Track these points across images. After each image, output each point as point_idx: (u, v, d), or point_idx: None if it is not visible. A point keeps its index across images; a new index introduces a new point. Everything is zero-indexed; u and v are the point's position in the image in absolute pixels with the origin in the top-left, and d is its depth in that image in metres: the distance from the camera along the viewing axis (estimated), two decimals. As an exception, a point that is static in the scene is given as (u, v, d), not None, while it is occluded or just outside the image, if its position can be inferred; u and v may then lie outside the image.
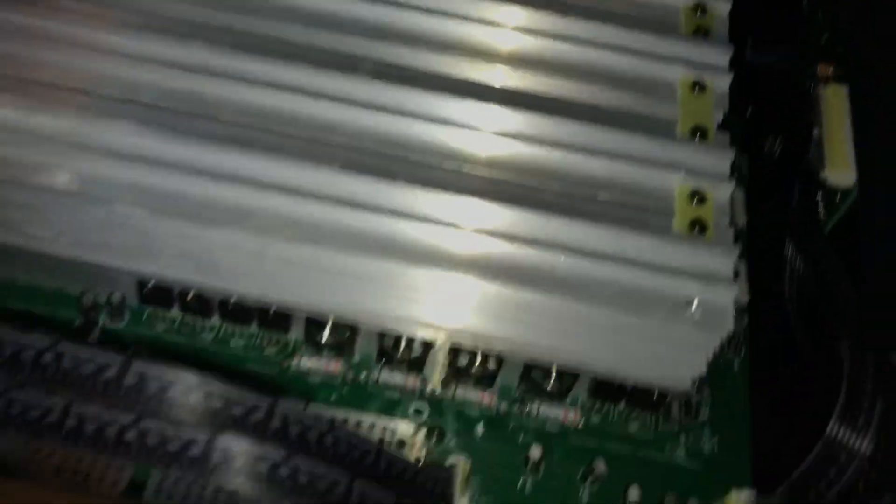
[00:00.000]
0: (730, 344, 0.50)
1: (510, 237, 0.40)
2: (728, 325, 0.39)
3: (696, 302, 0.39)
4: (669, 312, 0.39)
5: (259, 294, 0.42)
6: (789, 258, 0.54)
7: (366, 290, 0.41)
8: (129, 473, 0.39)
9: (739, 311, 0.52)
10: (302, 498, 0.34)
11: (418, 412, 0.47)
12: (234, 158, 0.40)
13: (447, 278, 0.41)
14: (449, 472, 0.42)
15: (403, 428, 0.46)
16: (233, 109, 0.42)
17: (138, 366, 0.34)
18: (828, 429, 0.39)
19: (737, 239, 0.41)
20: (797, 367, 0.51)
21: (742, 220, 0.55)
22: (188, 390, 0.34)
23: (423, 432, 0.46)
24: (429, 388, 0.47)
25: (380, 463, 0.38)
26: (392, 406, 0.47)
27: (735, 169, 0.44)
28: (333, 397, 0.46)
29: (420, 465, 0.40)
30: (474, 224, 0.41)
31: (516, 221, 0.41)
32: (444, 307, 0.42)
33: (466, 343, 0.44)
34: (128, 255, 0.42)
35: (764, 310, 0.52)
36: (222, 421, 0.34)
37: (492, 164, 0.42)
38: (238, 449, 0.33)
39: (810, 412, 0.48)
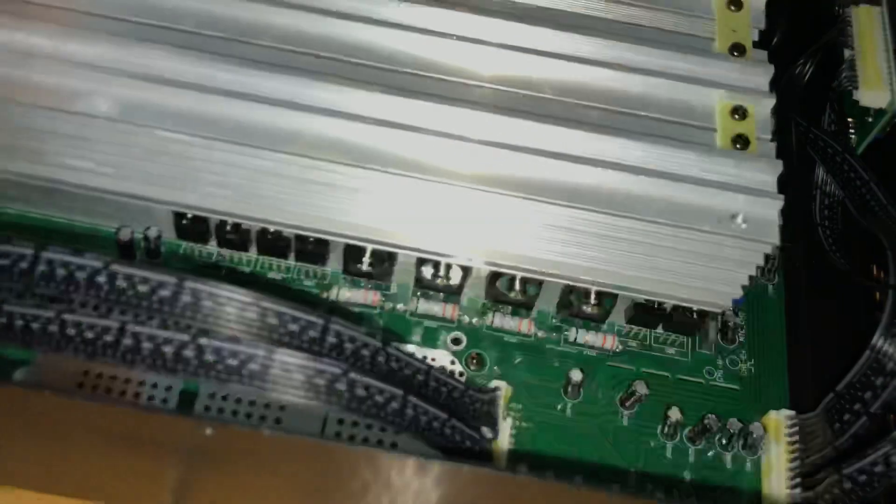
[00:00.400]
0: (764, 270, 0.51)
1: (554, 155, 0.40)
2: (774, 237, 0.39)
3: (741, 214, 0.39)
4: (716, 225, 0.39)
5: (299, 223, 0.42)
6: (819, 183, 0.54)
7: (405, 213, 0.41)
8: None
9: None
10: (360, 411, 0.34)
11: (457, 341, 0.47)
12: (275, 82, 0.40)
13: (489, 199, 0.41)
14: (493, 395, 0.43)
15: (443, 356, 0.46)
16: (272, 34, 0.42)
17: (192, 283, 0.34)
18: (874, 338, 0.39)
19: (779, 154, 0.41)
20: (831, 290, 0.51)
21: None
22: (244, 307, 0.34)
23: (462, 360, 0.46)
24: (466, 318, 0.47)
25: (429, 382, 0.38)
26: (431, 335, 0.47)
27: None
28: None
29: (466, 387, 0.40)
30: (517, 143, 0.41)
31: (560, 140, 0.40)
32: (483, 229, 0.42)
33: (505, 266, 0.44)
34: (167, 185, 0.41)
35: (793, 238, 0.53)
36: (279, 337, 0.34)
37: (532, 85, 0.42)
38: (296, 363, 0.33)
39: (847, 333, 0.49)
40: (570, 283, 0.44)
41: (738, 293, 0.42)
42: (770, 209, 0.39)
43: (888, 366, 0.38)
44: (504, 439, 0.43)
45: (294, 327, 0.34)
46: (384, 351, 0.36)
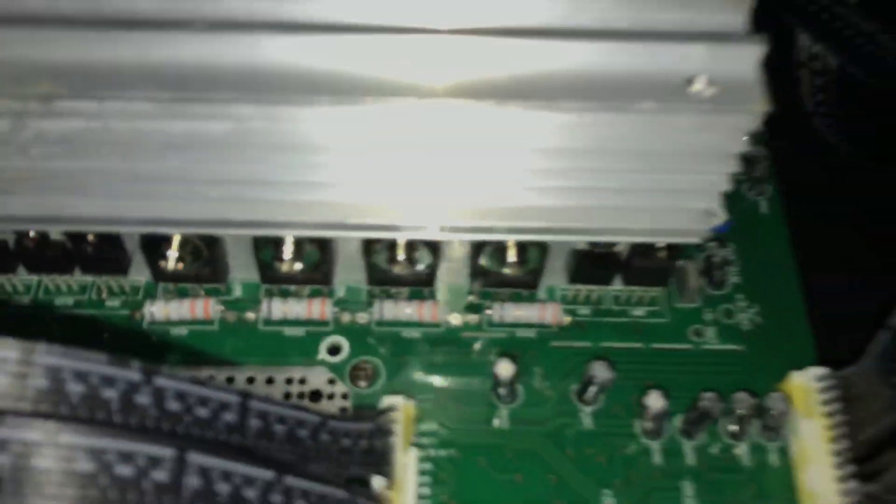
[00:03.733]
0: (749, 182, 0.37)
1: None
2: (758, 101, 0.25)
3: (702, 75, 0.25)
4: (665, 98, 0.24)
5: (42, 213, 0.28)
6: (804, 60, 0.40)
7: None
8: None
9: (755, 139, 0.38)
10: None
11: (335, 350, 0.33)
12: None
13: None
14: (380, 422, 0.28)
15: (317, 375, 0.32)
16: None
17: None
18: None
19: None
20: (846, 191, 0.37)
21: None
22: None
23: (345, 375, 0.32)
24: (346, 315, 0.33)
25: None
26: (297, 347, 0.33)
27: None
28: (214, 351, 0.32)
29: (324, 418, 0.25)
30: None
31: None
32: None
33: (376, 226, 0.30)
34: None
35: (783, 135, 0.39)
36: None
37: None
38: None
39: (881, 243, 0.35)
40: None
41: (715, 205, 0.28)
42: (742, 61, 0.25)
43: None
44: (408, 483, 0.29)
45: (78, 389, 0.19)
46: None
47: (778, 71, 0.41)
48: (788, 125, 0.40)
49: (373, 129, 0.26)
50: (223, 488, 0.21)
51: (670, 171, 0.27)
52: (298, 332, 0.33)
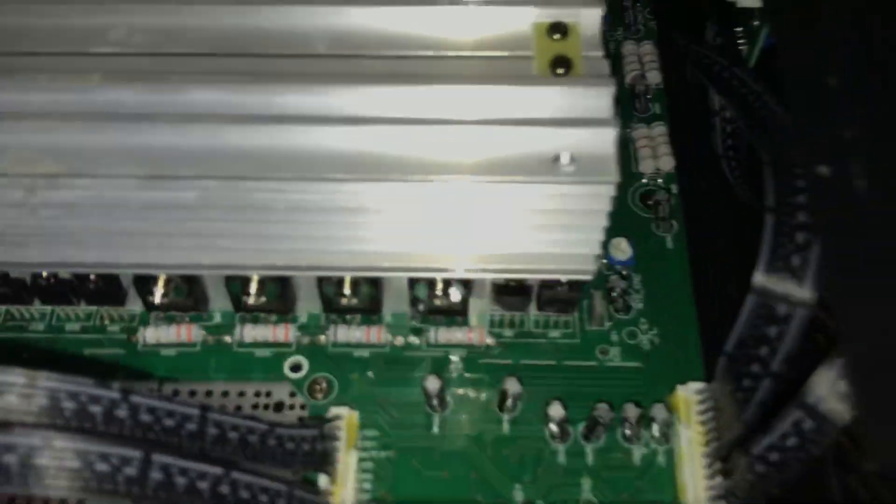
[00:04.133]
0: (657, 219, 0.43)
1: (340, 121, 0.32)
2: (612, 174, 0.31)
3: (566, 153, 0.31)
4: (537, 172, 0.31)
5: (51, 259, 0.35)
6: (717, 109, 0.46)
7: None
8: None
9: (667, 180, 0.44)
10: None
11: (296, 367, 0.39)
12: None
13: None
14: (323, 428, 0.35)
15: (280, 389, 0.38)
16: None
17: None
18: (754, 277, 0.30)
19: (614, 72, 0.32)
20: (742, 231, 0.43)
21: (657, 78, 0.47)
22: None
23: (304, 389, 0.38)
24: (306, 339, 0.39)
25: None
26: (265, 366, 0.39)
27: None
28: (197, 369, 0.39)
29: (270, 426, 0.32)
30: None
31: (345, 100, 0.33)
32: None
33: (331, 270, 0.36)
34: None
35: (693, 175, 0.45)
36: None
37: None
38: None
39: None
40: (382, 274, 0.36)
41: (596, 250, 0.34)
42: (602, 140, 0.31)
43: (779, 309, 0.30)
44: (349, 480, 0.35)
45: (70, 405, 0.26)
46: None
47: (695, 117, 0.47)
48: (701, 167, 0.46)
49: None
50: (181, 481, 0.27)
51: (556, 225, 0.33)
52: (266, 352, 0.39)
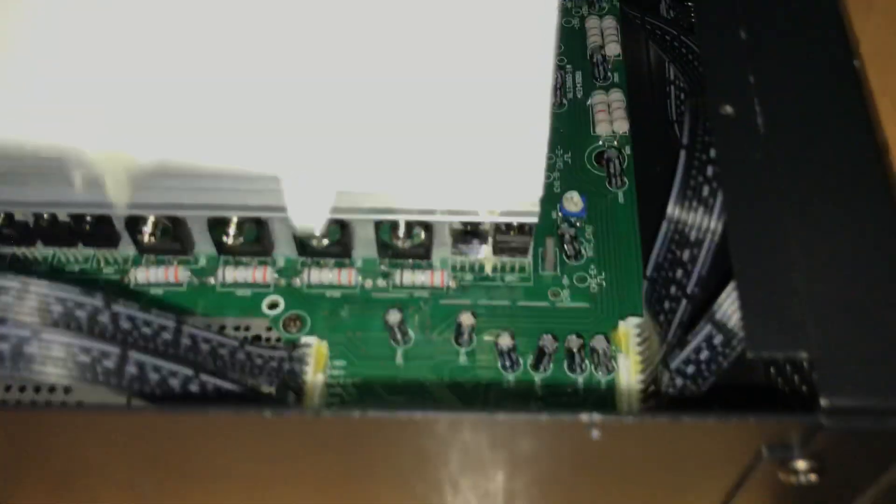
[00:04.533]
0: (610, 175, 0.46)
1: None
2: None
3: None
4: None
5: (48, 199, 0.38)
6: (672, 79, 0.50)
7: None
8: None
9: (621, 142, 0.48)
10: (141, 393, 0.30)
11: (273, 305, 0.43)
12: None
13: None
14: (292, 351, 0.38)
15: (259, 324, 0.42)
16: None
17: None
18: (668, 207, 0.34)
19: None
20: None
21: (616, 50, 0.51)
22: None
23: (280, 324, 0.42)
24: (283, 280, 0.43)
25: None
26: (245, 304, 0.43)
27: None
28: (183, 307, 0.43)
29: (240, 343, 0.36)
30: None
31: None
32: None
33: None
34: None
35: (647, 139, 0.48)
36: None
37: None
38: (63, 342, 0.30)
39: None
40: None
41: (539, 193, 0.38)
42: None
43: (691, 235, 0.33)
44: (315, 395, 0.39)
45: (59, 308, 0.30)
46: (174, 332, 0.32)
47: (651, 86, 0.51)
48: (655, 131, 0.49)
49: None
50: (153, 377, 0.31)
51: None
52: (246, 292, 0.43)
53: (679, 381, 0.34)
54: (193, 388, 0.32)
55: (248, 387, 0.34)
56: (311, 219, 0.37)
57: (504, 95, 0.35)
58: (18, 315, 0.30)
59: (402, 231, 0.41)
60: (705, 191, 0.33)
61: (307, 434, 0.31)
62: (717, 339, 0.33)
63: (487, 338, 0.41)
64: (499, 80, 0.35)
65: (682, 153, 0.34)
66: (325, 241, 0.42)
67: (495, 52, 0.35)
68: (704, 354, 0.33)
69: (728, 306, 0.32)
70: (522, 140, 0.36)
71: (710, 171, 0.33)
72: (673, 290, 0.34)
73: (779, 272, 0.29)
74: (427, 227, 0.41)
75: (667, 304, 0.35)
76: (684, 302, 0.34)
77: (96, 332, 0.31)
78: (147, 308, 0.33)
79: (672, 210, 0.34)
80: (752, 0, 0.35)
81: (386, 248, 0.42)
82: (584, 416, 0.26)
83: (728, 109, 0.32)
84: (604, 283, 0.43)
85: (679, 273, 0.34)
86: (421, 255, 0.43)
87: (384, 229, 0.41)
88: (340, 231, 0.42)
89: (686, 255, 0.33)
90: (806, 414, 0.27)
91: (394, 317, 0.41)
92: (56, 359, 0.29)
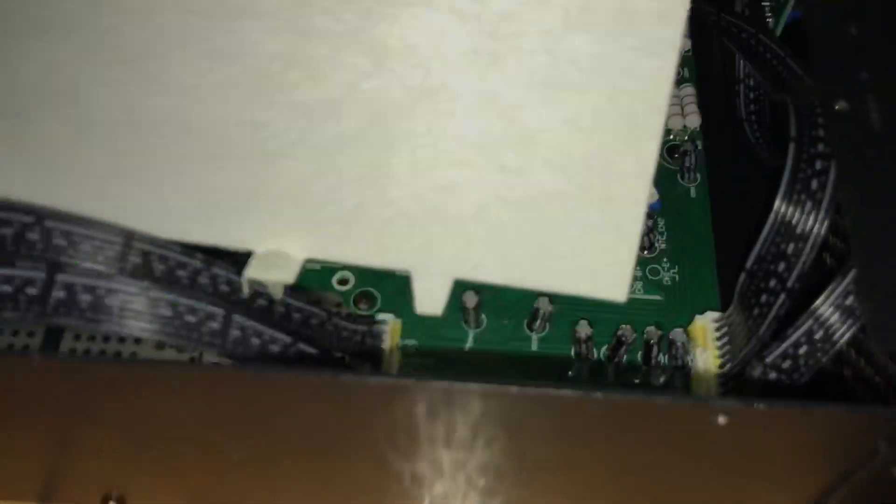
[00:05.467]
0: (683, 170, 0.46)
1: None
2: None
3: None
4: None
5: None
6: (741, 77, 0.49)
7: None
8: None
9: (693, 137, 0.48)
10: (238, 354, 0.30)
11: (343, 281, 0.42)
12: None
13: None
14: (374, 327, 0.38)
15: (329, 299, 0.42)
16: None
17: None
18: (776, 201, 0.34)
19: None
20: (759, 186, 0.46)
21: (686, 45, 0.51)
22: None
23: (351, 301, 0.41)
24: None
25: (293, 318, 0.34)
26: (314, 278, 0.42)
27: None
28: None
29: (329, 314, 0.35)
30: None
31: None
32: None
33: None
34: None
35: (718, 135, 0.48)
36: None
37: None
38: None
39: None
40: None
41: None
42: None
43: (797, 229, 0.33)
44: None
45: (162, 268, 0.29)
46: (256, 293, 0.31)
47: (721, 83, 0.51)
48: (725, 128, 0.49)
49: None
50: (255, 341, 0.30)
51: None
52: (316, 265, 0.43)
53: (773, 376, 0.34)
54: (291, 354, 0.31)
55: (339, 357, 0.34)
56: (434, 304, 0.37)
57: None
58: (124, 270, 0.29)
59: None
60: (814, 185, 0.33)
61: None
62: (818, 335, 0.33)
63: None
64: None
65: (791, 146, 0.34)
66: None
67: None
68: (803, 349, 0.33)
69: (832, 303, 0.32)
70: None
71: (818, 165, 0.33)
72: (773, 283, 0.34)
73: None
74: (507, 209, 0.41)
75: (763, 298, 0.34)
76: (783, 296, 0.34)
77: (198, 293, 0.30)
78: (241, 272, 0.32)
79: (779, 204, 0.33)
80: (862, -1, 0.35)
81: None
82: (715, 402, 0.26)
83: (843, 104, 0.32)
84: (676, 277, 0.43)
85: (781, 266, 0.33)
86: (497, 238, 0.42)
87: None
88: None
89: (791, 248, 0.33)
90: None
91: (470, 300, 0.40)
92: (163, 317, 0.28)
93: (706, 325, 0.40)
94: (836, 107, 0.32)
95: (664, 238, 0.44)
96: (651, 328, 0.40)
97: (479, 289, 0.41)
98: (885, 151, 0.32)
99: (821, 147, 0.33)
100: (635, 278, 0.43)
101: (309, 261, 0.34)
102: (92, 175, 0.31)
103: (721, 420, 0.26)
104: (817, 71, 0.34)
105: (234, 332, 0.30)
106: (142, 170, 0.31)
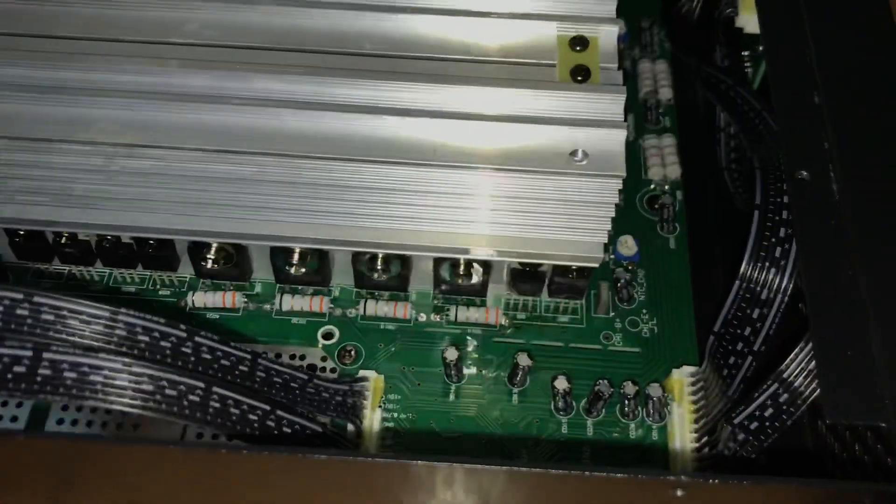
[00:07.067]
0: (662, 221, 0.47)
1: (384, 111, 0.37)
2: (619, 168, 0.35)
3: (580, 149, 0.35)
4: (555, 165, 0.35)
5: (121, 223, 0.39)
6: (722, 126, 0.50)
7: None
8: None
9: (673, 187, 0.48)
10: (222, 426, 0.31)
11: (328, 335, 0.43)
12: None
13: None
14: (359, 387, 0.39)
15: (314, 354, 0.43)
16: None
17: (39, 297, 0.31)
18: (742, 266, 0.35)
19: (630, 87, 0.37)
20: (739, 236, 0.47)
21: (668, 94, 0.51)
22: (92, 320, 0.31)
23: (334, 355, 0.42)
24: (339, 310, 0.44)
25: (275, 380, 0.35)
26: (299, 332, 0.43)
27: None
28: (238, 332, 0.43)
29: (309, 377, 0.36)
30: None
31: (387, 94, 0.37)
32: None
33: (367, 246, 0.41)
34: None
35: (698, 184, 0.49)
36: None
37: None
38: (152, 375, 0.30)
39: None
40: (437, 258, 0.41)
41: (604, 239, 0.38)
42: (613, 140, 0.35)
43: (762, 294, 0.34)
44: (373, 431, 0.39)
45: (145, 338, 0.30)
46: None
47: (702, 132, 0.52)
48: (706, 177, 0.50)
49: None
50: (234, 412, 0.31)
51: (564, 215, 0.37)
52: (301, 321, 0.44)
53: (741, 436, 0.35)
54: (270, 423, 0.32)
55: (317, 421, 0.35)
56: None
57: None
58: (108, 346, 0.30)
59: (462, 269, 0.42)
60: (777, 252, 0.33)
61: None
62: (783, 398, 0.33)
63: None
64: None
65: (756, 214, 0.35)
66: (384, 276, 0.42)
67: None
68: (769, 411, 0.34)
69: (796, 366, 0.33)
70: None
71: (782, 232, 0.34)
72: (740, 346, 0.35)
73: (856, 339, 0.30)
74: (486, 265, 0.42)
75: (732, 360, 0.35)
76: (749, 359, 0.35)
77: (179, 363, 0.31)
78: (225, 340, 0.33)
79: (745, 269, 0.34)
80: (826, 65, 0.36)
81: (443, 284, 0.43)
82: (672, 477, 0.27)
83: (804, 174, 0.33)
84: (655, 329, 0.44)
85: (748, 330, 0.34)
86: (479, 292, 0.43)
87: (446, 267, 0.42)
88: (401, 265, 0.42)
89: (756, 313, 0.34)
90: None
91: (452, 354, 0.41)
92: (145, 392, 0.30)
93: (682, 380, 0.41)
94: (798, 176, 0.33)
95: (643, 289, 0.45)
96: (628, 382, 0.41)
97: (460, 345, 0.42)
98: (844, 220, 0.33)
99: (784, 214, 0.34)
100: (615, 331, 0.44)
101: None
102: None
103: (679, 493, 0.27)
104: (783, 140, 0.35)
105: (214, 404, 0.31)
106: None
